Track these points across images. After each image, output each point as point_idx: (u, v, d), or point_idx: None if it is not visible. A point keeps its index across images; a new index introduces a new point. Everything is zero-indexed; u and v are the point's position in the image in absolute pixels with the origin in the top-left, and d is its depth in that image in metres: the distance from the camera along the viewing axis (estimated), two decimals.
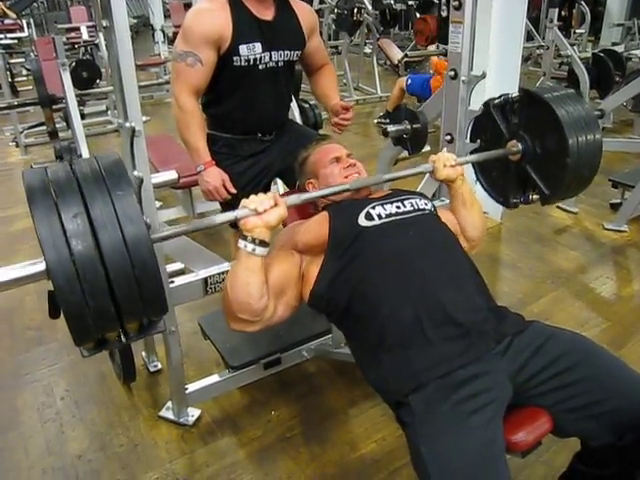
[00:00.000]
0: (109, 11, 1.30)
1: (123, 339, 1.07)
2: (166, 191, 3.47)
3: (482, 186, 1.79)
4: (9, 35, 7.56)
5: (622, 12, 8.70)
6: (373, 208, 1.41)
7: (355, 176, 1.55)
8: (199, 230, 1.29)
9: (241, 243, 1.23)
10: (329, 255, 1.36)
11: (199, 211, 3.23)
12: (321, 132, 2.38)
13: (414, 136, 2.19)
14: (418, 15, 6.29)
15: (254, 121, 1.93)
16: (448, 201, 1.73)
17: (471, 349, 1.21)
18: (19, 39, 7.86)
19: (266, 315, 1.30)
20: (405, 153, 2.36)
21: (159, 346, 2.07)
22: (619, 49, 5.61)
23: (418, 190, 2.02)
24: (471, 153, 1.75)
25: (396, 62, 6.65)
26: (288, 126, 2.09)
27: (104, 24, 1.35)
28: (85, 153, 2.80)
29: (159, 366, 2.16)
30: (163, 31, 7.42)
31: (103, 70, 5.31)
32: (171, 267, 1.78)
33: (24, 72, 6.53)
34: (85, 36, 7.13)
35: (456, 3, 1.88)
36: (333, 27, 7.12)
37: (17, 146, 5.05)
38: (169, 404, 1.94)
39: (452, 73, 1.97)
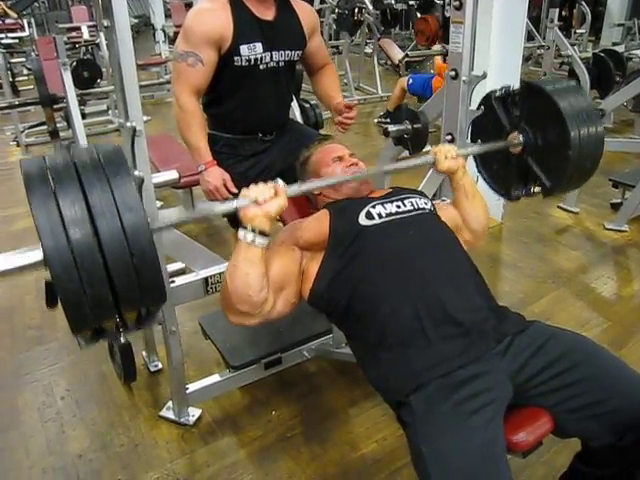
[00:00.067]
0: (110, 11, 1.31)
1: (121, 329, 1.05)
2: (167, 191, 3.46)
3: (483, 179, 1.78)
4: (10, 35, 7.57)
5: (623, 12, 8.69)
6: (373, 207, 1.41)
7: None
8: (199, 220, 1.28)
9: (241, 233, 1.22)
10: (329, 253, 1.36)
11: None
12: (322, 132, 2.38)
13: (415, 136, 2.19)
14: (419, 15, 6.29)
15: (255, 121, 1.93)
16: (449, 201, 1.72)
17: (471, 349, 1.21)
18: (20, 39, 7.86)
19: (266, 308, 1.29)
20: (406, 153, 2.35)
21: (160, 346, 2.07)
22: (620, 49, 5.60)
23: (419, 189, 2.02)
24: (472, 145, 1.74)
25: (397, 62, 6.65)
26: (289, 126, 2.09)
27: (105, 24, 1.35)
28: None
29: (160, 366, 2.16)
30: (164, 31, 7.41)
31: (104, 70, 5.31)
32: (172, 267, 1.78)
33: (25, 72, 6.54)
34: (86, 36, 7.14)
35: (457, 3, 1.88)
36: (334, 27, 7.13)
37: (18, 145, 5.06)
38: (170, 404, 1.94)
39: (453, 73, 1.96)
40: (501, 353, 1.23)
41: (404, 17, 8.52)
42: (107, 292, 0.93)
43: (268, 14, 1.81)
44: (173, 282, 1.70)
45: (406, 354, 1.22)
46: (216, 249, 2.01)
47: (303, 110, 2.66)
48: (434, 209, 1.51)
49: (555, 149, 1.51)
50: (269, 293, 1.28)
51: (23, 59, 6.71)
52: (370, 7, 6.45)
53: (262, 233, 1.21)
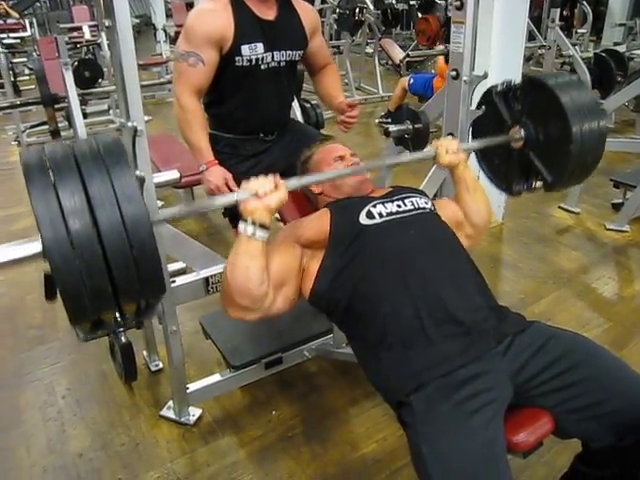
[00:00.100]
0: (111, 11, 1.31)
1: (120, 322, 1.04)
2: (168, 190, 3.48)
3: (485, 174, 1.77)
4: (12, 34, 7.56)
5: (624, 12, 8.67)
6: (374, 206, 1.41)
7: (360, 177, 1.56)
8: (199, 212, 1.28)
9: (241, 226, 1.22)
10: (330, 252, 1.36)
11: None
12: (323, 132, 2.38)
13: (416, 136, 2.19)
14: (420, 15, 6.30)
15: (256, 121, 1.93)
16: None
17: (472, 348, 1.21)
18: (22, 38, 7.86)
19: (266, 303, 1.29)
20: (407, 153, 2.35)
21: (160, 345, 2.07)
22: (621, 49, 5.59)
23: (421, 188, 2.02)
24: (474, 140, 1.74)
25: (398, 62, 6.65)
26: (290, 126, 2.09)
27: (106, 24, 1.35)
28: None
29: (160, 365, 2.16)
30: (165, 30, 7.41)
31: (105, 69, 5.31)
32: (172, 266, 1.78)
33: (26, 71, 6.53)
34: (87, 35, 7.13)
35: (458, 3, 1.88)
36: (335, 27, 7.11)
37: (19, 145, 5.07)
38: (170, 403, 1.95)
39: (454, 73, 1.96)
40: (502, 353, 1.23)
41: (405, 17, 8.51)
42: (106, 283, 0.92)
43: (269, 14, 1.81)
44: (174, 282, 1.70)
45: (407, 354, 1.22)
46: (217, 249, 2.01)
47: (304, 110, 2.66)
48: (434, 209, 1.51)
49: (557, 144, 1.50)
50: (269, 288, 1.28)
51: (25, 59, 6.71)
52: (371, 7, 6.45)
53: (262, 226, 1.21)
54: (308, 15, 1.93)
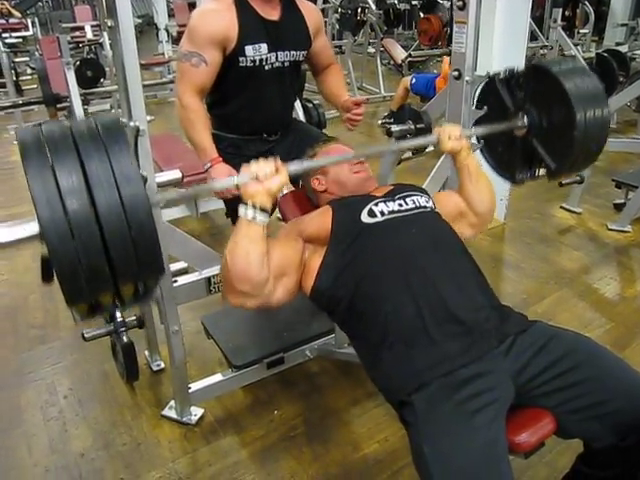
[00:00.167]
0: (114, 10, 1.31)
1: (118, 304, 1.02)
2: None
3: (488, 163, 1.75)
4: (14, 34, 7.55)
5: (626, 12, 8.63)
6: (376, 205, 1.41)
7: (364, 174, 1.56)
8: (199, 196, 1.26)
9: (241, 210, 1.21)
10: (331, 249, 1.36)
11: (202, 210, 3.23)
12: (326, 131, 2.38)
13: (418, 136, 2.19)
14: (422, 15, 6.30)
15: (260, 121, 1.93)
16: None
17: (473, 348, 1.21)
18: (24, 38, 7.85)
19: (266, 290, 1.27)
20: (409, 153, 2.35)
21: (162, 345, 2.07)
22: (623, 49, 5.56)
23: (425, 185, 2.02)
24: (476, 126, 1.73)
25: (400, 62, 6.65)
26: (293, 126, 2.09)
27: (109, 23, 1.35)
28: None
29: (162, 365, 2.17)
30: (167, 30, 7.41)
31: (107, 69, 5.32)
32: (174, 266, 1.78)
33: (29, 71, 6.54)
34: (89, 35, 7.12)
35: (460, 3, 1.88)
36: (337, 27, 7.11)
37: None
38: (172, 403, 1.95)
39: (456, 73, 1.96)
40: (503, 353, 1.23)
41: (407, 17, 8.48)
42: (104, 264, 0.90)
43: (273, 14, 1.81)
44: (176, 282, 1.70)
45: (408, 353, 1.22)
46: (219, 249, 2.00)
47: (306, 110, 2.66)
48: (435, 207, 1.51)
49: (560, 130, 1.48)
50: (270, 274, 1.27)
51: (27, 58, 6.72)
52: (373, 7, 6.45)
53: (263, 210, 1.20)
54: (312, 15, 1.92)
